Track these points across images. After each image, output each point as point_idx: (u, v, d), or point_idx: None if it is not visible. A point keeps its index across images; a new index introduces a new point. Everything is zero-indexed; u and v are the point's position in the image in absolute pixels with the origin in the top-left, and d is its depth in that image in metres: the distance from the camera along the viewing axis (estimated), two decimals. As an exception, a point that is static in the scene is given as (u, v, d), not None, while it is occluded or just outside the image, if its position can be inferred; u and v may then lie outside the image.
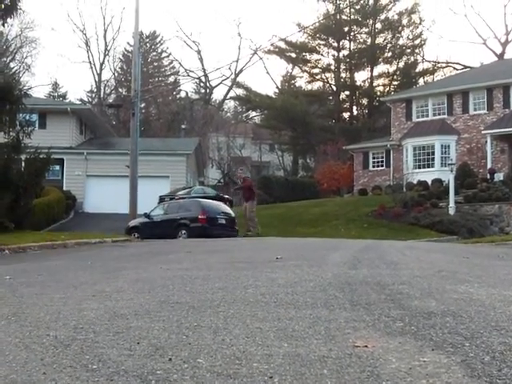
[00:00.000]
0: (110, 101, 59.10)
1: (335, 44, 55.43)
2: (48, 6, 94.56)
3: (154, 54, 70.90)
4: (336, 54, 56.02)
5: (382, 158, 38.50)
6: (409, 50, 55.78)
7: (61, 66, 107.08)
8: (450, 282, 4.57)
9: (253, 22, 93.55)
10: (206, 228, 19.80)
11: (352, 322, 3.01)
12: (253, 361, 2.29)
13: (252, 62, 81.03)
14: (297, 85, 61.84)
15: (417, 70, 56.11)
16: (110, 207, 32.46)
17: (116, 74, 67.21)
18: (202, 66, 65.91)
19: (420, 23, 55.21)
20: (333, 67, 56.78)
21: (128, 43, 64.00)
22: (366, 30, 55.16)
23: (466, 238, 21.69)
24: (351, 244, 11.53)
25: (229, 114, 69.08)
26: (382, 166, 38.38)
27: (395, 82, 55.89)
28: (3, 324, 3.17)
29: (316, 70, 58.36)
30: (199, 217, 20.16)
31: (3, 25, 17.82)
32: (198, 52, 65.97)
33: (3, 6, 16.96)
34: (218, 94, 74.13)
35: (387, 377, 2.09)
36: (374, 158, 39.04)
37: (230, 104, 69.93)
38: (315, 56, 57.17)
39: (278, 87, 64.34)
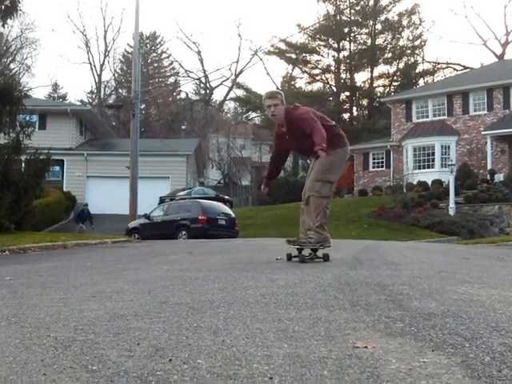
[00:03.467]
0: (110, 102, 59.16)
1: (335, 45, 55.45)
2: (48, 6, 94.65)
3: (154, 54, 70.98)
4: (336, 54, 56.08)
5: (382, 158, 38.52)
6: (409, 51, 55.82)
7: (61, 66, 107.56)
8: (450, 283, 4.57)
9: (253, 22, 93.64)
10: (206, 229, 19.82)
11: (352, 322, 3.01)
12: (253, 362, 2.29)
13: (252, 62, 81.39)
14: (297, 86, 61.89)
15: (417, 71, 56.17)
16: (110, 208, 32.51)
17: (116, 75, 67.32)
18: (202, 66, 66.07)
19: (420, 24, 55.38)
20: (333, 68, 56.83)
21: (128, 44, 64.17)
22: (366, 30, 55.21)
23: (466, 239, 21.70)
24: (351, 245, 11.53)
25: (229, 115, 69.19)
26: (382, 166, 38.40)
27: (395, 83, 55.93)
28: (3, 325, 3.17)
29: (316, 71, 58.42)
30: (199, 217, 20.17)
31: (3, 26, 17.85)
32: (198, 53, 66.19)
33: (3, 6, 16.97)
34: (218, 95, 74.46)
35: (387, 377, 2.09)
36: (374, 158, 39.06)
37: (230, 105, 70.10)
38: (315, 57, 57.26)
39: (278, 88, 64.40)
